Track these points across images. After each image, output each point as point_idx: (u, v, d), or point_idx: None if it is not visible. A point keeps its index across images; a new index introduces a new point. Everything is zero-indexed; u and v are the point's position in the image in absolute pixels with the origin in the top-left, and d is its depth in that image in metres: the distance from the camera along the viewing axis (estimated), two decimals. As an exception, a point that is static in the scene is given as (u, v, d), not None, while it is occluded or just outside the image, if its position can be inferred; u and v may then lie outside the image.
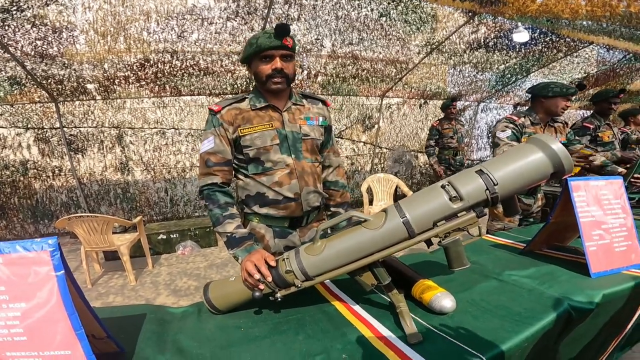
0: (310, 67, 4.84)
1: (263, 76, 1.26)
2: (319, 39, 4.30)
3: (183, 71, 4.36)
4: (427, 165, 7.15)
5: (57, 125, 4.68)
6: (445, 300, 0.96)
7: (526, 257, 1.40)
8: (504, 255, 1.44)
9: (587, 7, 3.39)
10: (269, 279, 0.98)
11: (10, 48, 3.43)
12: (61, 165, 4.92)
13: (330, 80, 5.20)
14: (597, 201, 1.25)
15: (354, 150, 6.48)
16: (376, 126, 6.42)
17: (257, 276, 0.98)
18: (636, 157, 2.28)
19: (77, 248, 3.74)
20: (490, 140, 6.02)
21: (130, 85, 4.45)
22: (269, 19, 3.70)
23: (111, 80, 4.26)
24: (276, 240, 1.39)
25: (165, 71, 4.29)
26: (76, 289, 0.72)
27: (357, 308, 1.05)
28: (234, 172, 1.38)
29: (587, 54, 5.59)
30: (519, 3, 3.46)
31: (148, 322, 1.02)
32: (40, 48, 3.54)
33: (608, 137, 3.19)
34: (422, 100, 6.58)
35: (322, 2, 3.71)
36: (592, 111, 3.37)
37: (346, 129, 6.24)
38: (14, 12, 3.10)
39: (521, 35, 4.36)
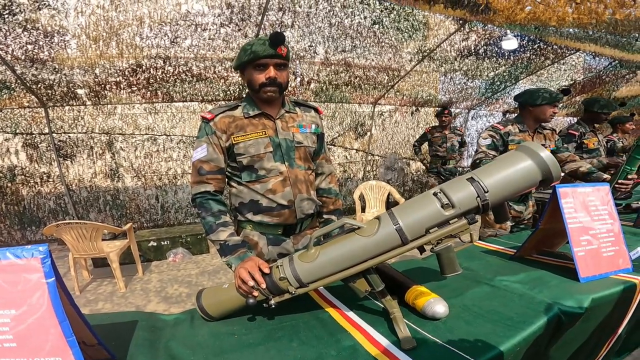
0: (303, 74, 4.87)
1: (256, 84, 1.27)
2: (312, 46, 4.33)
3: (175, 77, 4.34)
4: (419, 173, 7.21)
5: (46, 130, 4.62)
6: (438, 306, 0.96)
7: (516, 262, 1.42)
8: (495, 261, 1.46)
9: (574, 15, 3.47)
10: (263, 286, 0.98)
11: (0, 52, 3.39)
12: (50, 172, 4.85)
13: (323, 88, 5.23)
14: (584, 207, 1.27)
15: (346, 157, 6.50)
16: (368, 133, 6.46)
17: (251, 283, 0.98)
18: (621, 163, 2.32)
19: (65, 255, 3.68)
20: None
21: (122, 91, 4.42)
22: (262, 26, 3.72)
23: (102, 85, 4.23)
24: (270, 248, 1.39)
25: (158, 77, 4.27)
26: (67, 296, 0.71)
27: (351, 314, 1.05)
28: (227, 180, 1.38)
29: (574, 61, 5.71)
30: (509, 11, 3.53)
31: (139, 329, 1.01)
32: (31, 52, 3.51)
33: (593, 144, 3.24)
34: (414, 108, 6.65)
35: (316, 10, 3.74)
36: (578, 118, 3.43)
37: (339, 136, 6.27)
38: (6, 16, 3.07)
39: (510, 43, 4.46)
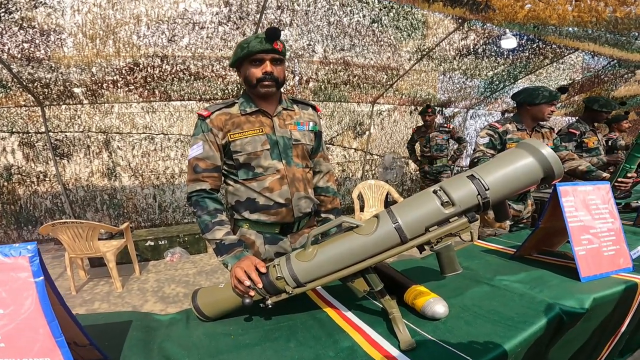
0: (302, 73, 4.85)
1: (253, 80, 1.25)
2: (310, 45, 4.31)
3: (173, 76, 4.32)
4: (417, 172, 7.19)
5: (43, 129, 4.59)
6: (437, 306, 0.95)
7: (516, 262, 1.40)
8: (495, 261, 1.45)
9: (574, 13, 3.46)
10: (260, 285, 0.96)
11: (-4, 51, 3.37)
12: (46, 171, 4.82)
13: (322, 87, 5.21)
14: (585, 206, 1.26)
15: (345, 156, 6.48)
16: (367, 133, 6.45)
17: (248, 283, 0.96)
18: (621, 160, 2.31)
19: (62, 254, 3.65)
20: None
21: (119, 90, 4.39)
22: (261, 24, 3.70)
23: (99, 84, 4.20)
24: (267, 247, 1.37)
25: (155, 75, 4.24)
26: (56, 296, 0.70)
27: (349, 314, 1.03)
28: (223, 178, 1.36)
29: (572, 60, 5.72)
30: (508, 10, 3.52)
31: (134, 329, 0.99)
32: (27, 51, 3.48)
33: (593, 143, 3.24)
34: (412, 107, 6.64)
35: (315, 8, 3.72)
36: (577, 117, 3.43)
37: (337, 135, 6.25)
38: (2, 14, 3.04)
39: (509, 42, 4.45)
